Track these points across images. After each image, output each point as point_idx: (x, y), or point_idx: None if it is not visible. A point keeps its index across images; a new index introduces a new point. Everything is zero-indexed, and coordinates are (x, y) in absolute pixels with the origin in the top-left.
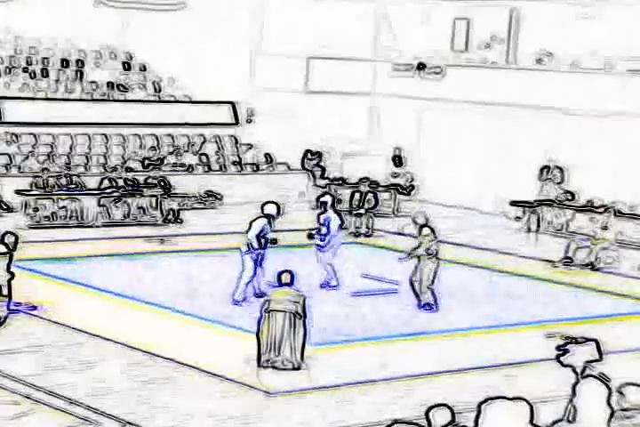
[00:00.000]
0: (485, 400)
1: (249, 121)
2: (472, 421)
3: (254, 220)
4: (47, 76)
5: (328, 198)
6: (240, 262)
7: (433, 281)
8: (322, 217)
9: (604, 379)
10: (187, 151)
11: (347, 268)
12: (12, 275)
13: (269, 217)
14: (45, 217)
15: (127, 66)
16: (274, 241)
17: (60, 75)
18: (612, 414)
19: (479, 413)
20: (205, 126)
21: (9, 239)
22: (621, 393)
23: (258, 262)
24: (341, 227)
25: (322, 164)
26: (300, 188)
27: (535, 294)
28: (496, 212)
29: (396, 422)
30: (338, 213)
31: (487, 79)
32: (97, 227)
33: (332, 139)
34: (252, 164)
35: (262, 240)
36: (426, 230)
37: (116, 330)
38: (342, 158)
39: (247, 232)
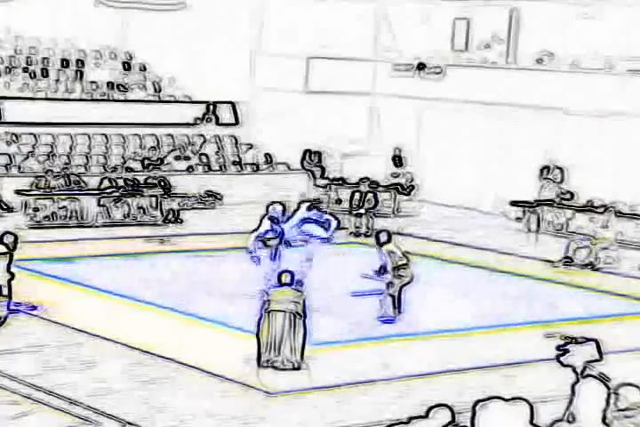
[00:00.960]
0: (480, 401)
1: (209, 120)
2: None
3: (260, 221)
4: (47, 76)
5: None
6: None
7: (399, 293)
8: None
9: (603, 379)
10: (185, 151)
11: (347, 268)
12: (12, 275)
13: (273, 219)
14: (45, 217)
15: (127, 66)
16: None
17: (59, 75)
18: (605, 414)
19: (474, 413)
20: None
21: (8, 239)
22: (617, 394)
23: (273, 258)
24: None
25: (322, 164)
26: (300, 188)
27: (535, 294)
28: (496, 212)
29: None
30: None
31: (487, 79)
32: (97, 227)
33: (331, 139)
34: (252, 164)
35: (273, 240)
36: (389, 246)
37: (116, 330)
38: (342, 158)
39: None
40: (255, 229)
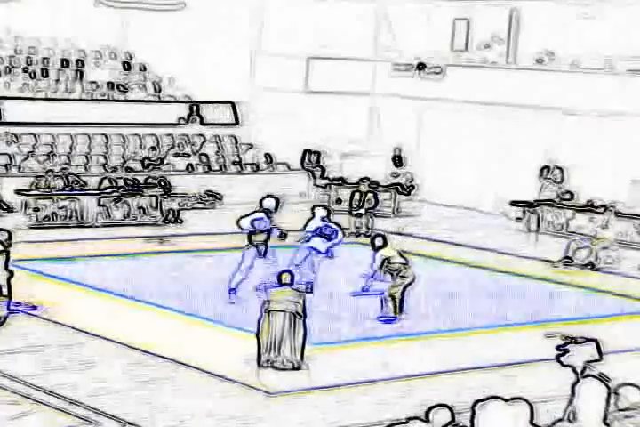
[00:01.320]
0: (480, 401)
1: (193, 120)
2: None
3: (252, 212)
4: (47, 76)
5: (320, 210)
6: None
7: (402, 294)
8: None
9: (604, 379)
10: (184, 148)
11: (347, 268)
12: (11, 273)
13: (267, 211)
14: (45, 217)
15: (127, 66)
16: (283, 236)
17: (59, 75)
18: (606, 414)
19: (474, 413)
20: (205, 126)
21: (2, 236)
22: (617, 393)
23: (260, 254)
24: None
25: (321, 164)
26: (300, 188)
27: (535, 294)
28: (496, 212)
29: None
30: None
31: (487, 79)
32: (97, 227)
33: (331, 139)
34: (252, 164)
35: (261, 235)
36: (385, 251)
37: (116, 330)
38: (342, 158)
39: (240, 218)
40: (245, 216)
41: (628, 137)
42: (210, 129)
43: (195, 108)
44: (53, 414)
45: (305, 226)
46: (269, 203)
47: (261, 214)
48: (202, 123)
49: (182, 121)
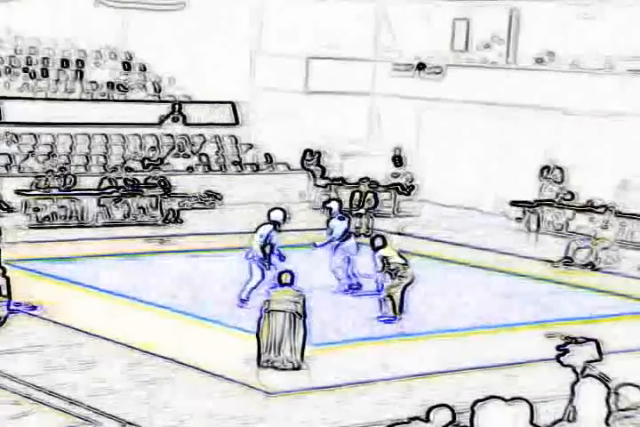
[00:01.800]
0: (480, 401)
1: (175, 119)
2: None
3: (260, 226)
4: (47, 76)
5: (334, 204)
6: (248, 268)
7: (402, 294)
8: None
9: (604, 379)
10: (184, 149)
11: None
12: (4, 269)
13: (275, 223)
14: (45, 217)
15: (127, 66)
16: (283, 259)
17: (59, 75)
18: (608, 415)
19: (473, 413)
20: (205, 126)
21: None
22: (617, 393)
23: (266, 267)
24: (347, 232)
25: (321, 163)
26: (300, 188)
27: (535, 294)
28: (496, 212)
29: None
30: (342, 218)
31: (487, 79)
32: (97, 227)
33: (331, 139)
34: (252, 164)
35: (268, 247)
36: (384, 252)
37: (116, 330)
38: (342, 158)
39: (253, 237)
40: (255, 231)
41: (628, 137)
42: (210, 129)
43: (177, 106)
44: (53, 415)
45: (327, 224)
46: (277, 215)
47: (270, 227)
48: (185, 122)
49: (163, 117)
